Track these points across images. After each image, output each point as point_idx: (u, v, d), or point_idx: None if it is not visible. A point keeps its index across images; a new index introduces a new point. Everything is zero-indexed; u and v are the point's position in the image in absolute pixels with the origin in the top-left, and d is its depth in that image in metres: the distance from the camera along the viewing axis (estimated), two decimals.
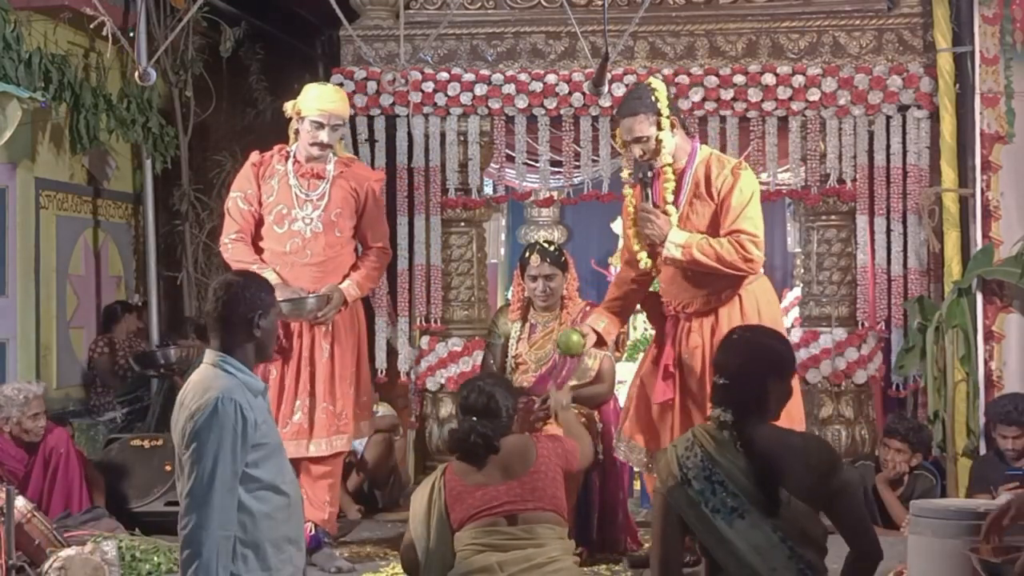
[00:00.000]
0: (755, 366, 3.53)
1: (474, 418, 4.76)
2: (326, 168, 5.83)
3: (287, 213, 5.76)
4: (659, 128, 5.15)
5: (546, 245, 6.10)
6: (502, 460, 4.69)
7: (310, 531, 5.61)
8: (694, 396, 5.22)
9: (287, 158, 5.85)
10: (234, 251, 5.73)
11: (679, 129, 5.25)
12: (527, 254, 6.05)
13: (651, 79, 5.46)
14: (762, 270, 5.34)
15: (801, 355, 7.48)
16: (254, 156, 5.90)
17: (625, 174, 5.44)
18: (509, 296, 6.58)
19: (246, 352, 3.54)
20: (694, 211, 5.19)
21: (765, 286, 5.34)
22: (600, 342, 5.62)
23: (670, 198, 5.21)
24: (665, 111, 5.15)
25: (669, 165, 5.20)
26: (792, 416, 4.72)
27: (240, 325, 3.53)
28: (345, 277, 5.81)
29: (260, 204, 5.80)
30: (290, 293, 5.57)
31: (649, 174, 5.20)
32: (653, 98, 5.16)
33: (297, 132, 5.86)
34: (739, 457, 3.41)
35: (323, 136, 5.75)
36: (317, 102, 5.77)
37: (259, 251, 5.79)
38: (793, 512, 3.38)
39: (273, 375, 5.66)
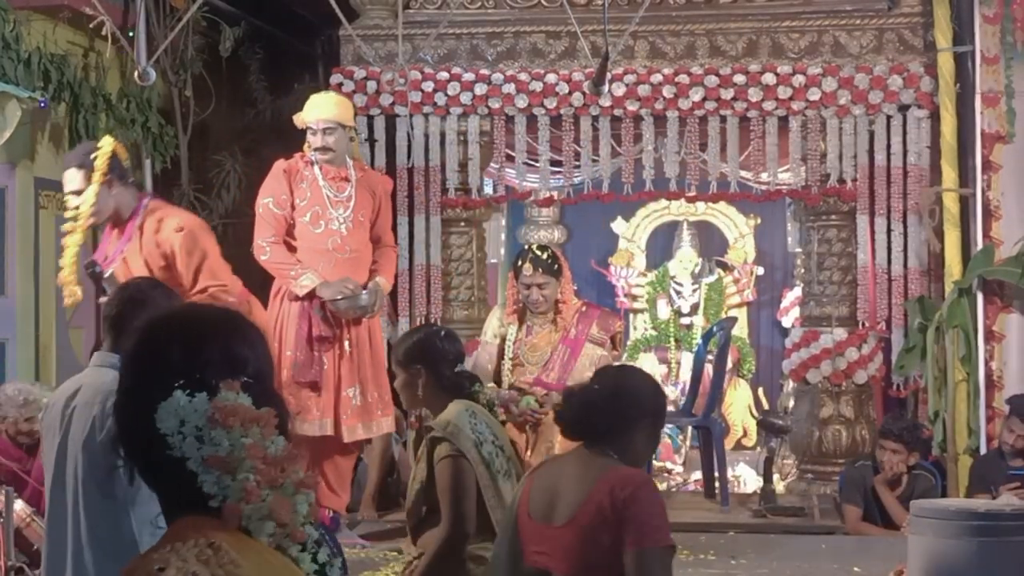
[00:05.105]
0: None
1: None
2: (349, 172, 6.16)
3: (322, 213, 6.07)
4: (89, 182, 5.33)
5: (538, 252, 6.14)
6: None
7: (329, 515, 6.02)
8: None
9: (310, 163, 6.13)
10: (273, 253, 6.01)
11: (123, 187, 5.41)
12: (519, 262, 6.14)
13: (104, 140, 5.60)
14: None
15: (801, 355, 7.51)
16: (281, 163, 6.15)
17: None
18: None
19: None
20: (148, 264, 5.35)
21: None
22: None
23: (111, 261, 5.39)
24: (100, 168, 5.33)
25: (92, 216, 5.35)
26: None
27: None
28: (373, 273, 6.16)
29: (292, 208, 6.07)
30: (338, 289, 5.90)
31: (97, 269, 5.34)
32: (92, 155, 5.36)
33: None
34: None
35: (318, 141, 6.06)
36: (312, 111, 6.14)
37: (291, 250, 6.08)
38: None
39: (325, 365, 6.01)
